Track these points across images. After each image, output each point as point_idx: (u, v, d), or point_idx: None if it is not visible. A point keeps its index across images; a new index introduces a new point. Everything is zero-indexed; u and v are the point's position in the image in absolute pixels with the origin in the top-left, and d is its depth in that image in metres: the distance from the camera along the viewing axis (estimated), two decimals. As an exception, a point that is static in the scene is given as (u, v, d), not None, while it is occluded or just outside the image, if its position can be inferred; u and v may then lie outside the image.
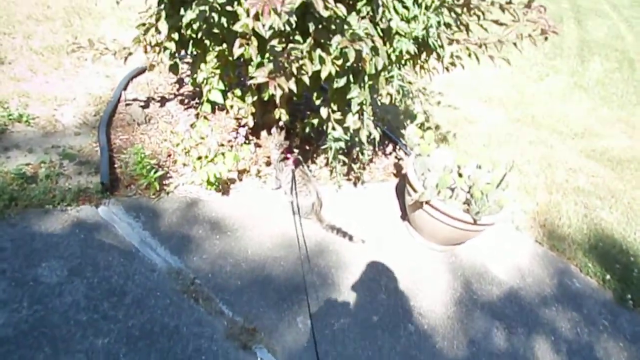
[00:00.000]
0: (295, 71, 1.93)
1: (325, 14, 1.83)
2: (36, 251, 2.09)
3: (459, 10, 2.45)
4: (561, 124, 4.96)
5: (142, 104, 3.25)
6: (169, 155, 2.83)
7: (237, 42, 1.96)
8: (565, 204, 3.62)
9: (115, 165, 2.65)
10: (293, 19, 1.74)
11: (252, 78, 1.85)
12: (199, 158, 2.64)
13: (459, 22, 2.50)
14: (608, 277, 2.95)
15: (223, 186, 2.72)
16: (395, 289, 2.49)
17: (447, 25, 2.41)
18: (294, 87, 1.88)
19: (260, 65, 2.16)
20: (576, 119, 5.20)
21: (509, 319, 2.51)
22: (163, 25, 2.57)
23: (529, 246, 3.07)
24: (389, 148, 3.65)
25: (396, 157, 3.58)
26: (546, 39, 2.24)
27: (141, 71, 3.60)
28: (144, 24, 2.73)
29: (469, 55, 2.47)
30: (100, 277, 2.07)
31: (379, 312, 2.33)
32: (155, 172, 2.49)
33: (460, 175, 2.84)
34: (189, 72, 3.61)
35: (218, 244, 2.41)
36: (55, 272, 2.03)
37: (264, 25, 1.62)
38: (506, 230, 3.13)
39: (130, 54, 2.80)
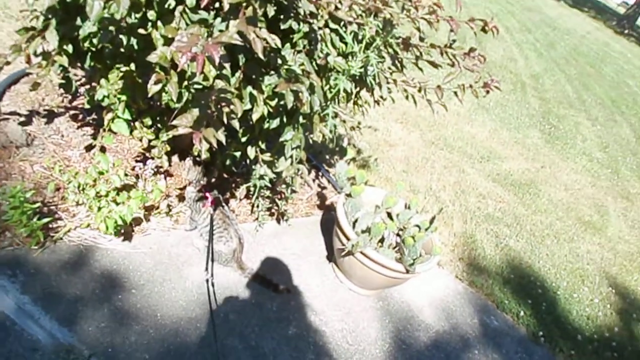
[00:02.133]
0: (225, 117, 1.63)
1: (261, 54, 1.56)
2: None
3: (397, 49, 2.31)
4: (470, 147, 5.15)
5: (23, 119, 2.68)
6: (58, 189, 2.34)
7: (154, 77, 1.61)
8: (478, 233, 3.71)
9: (-16, 207, 2.11)
10: (227, 65, 1.44)
11: (172, 127, 1.51)
12: (97, 196, 2.21)
13: (396, 61, 2.37)
14: (522, 313, 3.05)
15: (126, 229, 2.31)
16: (324, 345, 2.29)
17: (387, 67, 2.26)
18: (222, 138, 1.59)
19: (182, 109, 1.81)
20: (482, 141, 5.45)
21: (436, 369, 2.46)
22: (52, 36, 2.07)
23: (451, 284, 3.07)
24: (312, 174, 3.45)
25: (319, 186, 3.39)
26: (487, 92, 2.18)
27: (23, 75, 2.99)
28: (27, 29, 2.20)
29: (407, 97, 2.35)
30: (-42, 366, 1.61)
31: (308, 375, 2.13)
32: (39, 219, 2.02)
33: (389, 215, 2.74)
34: (84, 81, 3.09)
35: (120, 306, 2.02)
36: None
37: (193, 74, 1.31)
38: (429, 266, 3.10)
39: (7, 63, 2.25)
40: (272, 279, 2.43)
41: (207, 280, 2.18)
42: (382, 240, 2.54)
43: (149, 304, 2.09)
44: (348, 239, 2.39)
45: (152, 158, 2.39)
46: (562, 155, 6.06)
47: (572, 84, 9.57)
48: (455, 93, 2.22)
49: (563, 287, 3.50)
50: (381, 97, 2.63)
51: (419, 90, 2.30)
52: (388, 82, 2.31)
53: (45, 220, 2.06)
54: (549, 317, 3.13)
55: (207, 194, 2.36)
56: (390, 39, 2.20)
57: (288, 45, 2.01)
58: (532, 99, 7.73)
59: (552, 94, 8.40)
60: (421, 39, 2.29)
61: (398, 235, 2.65)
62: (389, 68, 2.36)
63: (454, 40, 2.20)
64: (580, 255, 4.00)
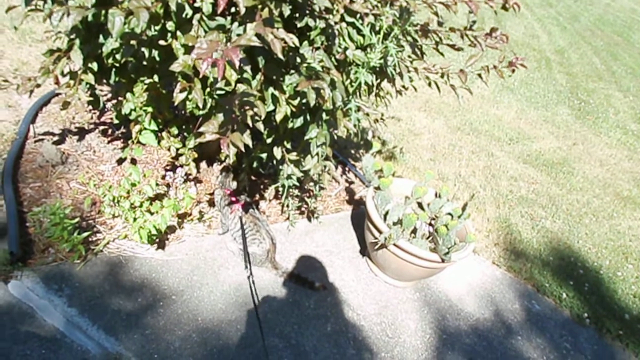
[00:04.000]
0: (249, 120, 1.64)
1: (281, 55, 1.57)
2: None
3: (416, 36, 2.28)
4: (497, 129, 5.04)
5: (56, 138, 2.77)
6: (94, 204, 2.42)
7: (178, 86, 1.64)
8: (513, 217, 3.64)
9: (27, 224, 2.19)
10: (248, 68, 1.45)
11: (198, 134, 1.54)
12: (132, 207, 2.27)
13: (416, 49, 2.33)
14: (564, 295, 2.97)
15: (161, 237, 2.36)
16: (364, 340, 2.29)
17: (407, 56, 2.23)
18: (249, 142, 1.60)
19: (207, 116, 1.84)
20: (509, 123, 5.32)
21: (480, 357, 2.42)
22: (77, 55, 2.14)
23: (488, 270, 3.01)
24: (339, 170, 3.45)
25: (347, 181, 3.39)
26: (513, 71, 2.13)
27: (53, 96, 3.09)
28: (52, 51, 2.27)
29: (429, 84, 2.31)
30: (16, 379, 1.68)
31: (351, 370, 2.13)
32: (79, 233, 2.08)
33: (420, 206, 2.71)
34: (110, 96, 3.17)
35: (162, 312, 2.07)
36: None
37: (215, 79, 1.32)
38: (464, 253, 3.06)
39: (38, 85, 2.33)
40: (307, 276, 2.44)
41: (248, 277, 2.19)
42: (414, 231, 2.52)
43: (189, 309, 2.13)
44: (380, 232, 2.38)
45: (181, 166, 2.44)
46: (594, 130, 5.86)
47: (599, 56, 9.22)
48: (480, 75, 2.17)
49: (605, 266, 3.40)
50: (403, 86, 2.60)
51: (442, 76, 2.26)
52: (409, 71, 2.27)
53: (85, 234, 2.13)
54: (592, 297, 3.04)
55: (235, 198, 2.39)
56: (408, 27, 2.17)
57: (306, 43, 2.01)
58: (558, 75, 7.50)
59: (579, 68, 8.12)
60: (440, 24, 2.25)
61: (430, 224, 2.62)
62: (409, 56, 2.33)
63: (474, 22, 2.15)
64: (621, 232, 3.87)
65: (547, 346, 2.62)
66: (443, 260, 2.32)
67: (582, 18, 12.08)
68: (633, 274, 3.41)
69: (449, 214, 2.55)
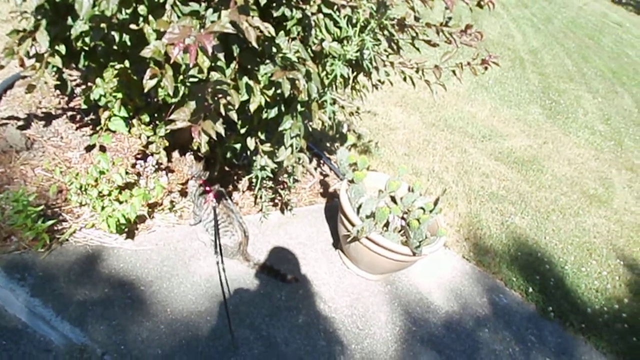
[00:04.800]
0: (222, 109, 1.61)
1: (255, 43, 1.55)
2: None
3: (393, 30, 2.28)
4: (470, 126, 5.12)
5: (21, 123, 2.67)
6: (60, 192, 2.34)
7: (148, 72, 1.59)
8: (483, 212, 3.70)
9: (-12, 212, 2.12)
10: (221, 55, 1.42)
11: (170, 122, 1.50)
12: (100, 196, 2.21)
13: (392, 43, 2.34)
14: (530, 289, 3.05)
15: (130, 227, 2.31)
16: (335, 332, 2.30)
17: (384, 50, 2.23)
18: (221, 130, 1.57)
19: (179, 104, 1.80)
20: (482, 120, 5.41)
21: (448, 349, 2.46)
22: (43, 37, 2.06)
23: (458, 264, 3.07)
24: (313, 162, 3.44)
25: (322, 174, 3.38)
26: (486, 69, 2.16)
27: (17, 79, 2.97)
28: (17, 31, 2.18)
29: (404, 79, 2.32)
30: (-26, 371, 1.62)
31: (320, 362, 2.14)
32: (43, 222, 2.02)
33: (393, 199, 2.73)
34: (80, 81, 3.07)
35: (130, 303, 2.03)
36: None
37: (187, 66, 1.29)
38: (435, 248, 3.10)
39: (1, 67, 2.24)
40: (279, 269, 2.43)
41: (218, 263, 2.15)
42: (387, 225, 2.54)
43: (158, 300, 2.10)
44: (353, 225, 2.39)
45: (152, 154, 2.39)
46: (564, 130, 6.02)
47: (571, 58, 9.46)
48: (454, 72, 2.19)
49: (571, 261, 3.50)
50: (379, 80, 2.61)
51: (417, 71, 2.27)
52: (385, 65, 2.28)
53: (50, 222, 2.06)
54: (557, 292, 3.13)
55: (209, 188, 2.35)
56: (385, 21, 2.18)
57: (282, 33, 1.98)
58: (531, 74, 7.65)
59: (551, 69, 8.31)
60: (416, 19, 2.26)
61: (403, 218, 2.64)
62: (385, 50, 2.33)
63: (450, 18, 2.17)
64: (586, 229, 3.99)
65: (513, 338, 2.68)
66: (414, 254, 2.35)
67: (555, 20, 12.36)
68: (596, 269, 3.52)
69: (421, 208, 2.58)
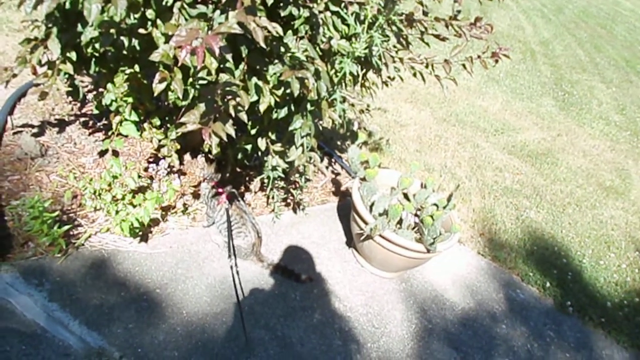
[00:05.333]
0: (232, 110, 1.61)
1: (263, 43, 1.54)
2: None
3: (401, 26, 2.26)
4: (482, 121, 5.06)
5: (35, 130, 2.71)
6: (75, 197, 2.37)
7: (158, 76, 1.60)
8: (497, 207, 3.66)
9: (6, 218, 2.14)
10: (229, 56, 1.42)
11: (181, 125, 1.51)
12: (114, 200, 2.23)
13: (401, 38, 2.32)
14: (547, 284, 3.00)
15: (145, 230, 2.33)
16: (350, 331, 2.29)
17: (393, 46, 2.21)
18: (232, 132, 1.57)
19: (189, 106, 1.81)
20: (494, 114, 5.35)
21: (465, 345, 2.44)
22: (54, 44, 2.08)
23: (473, 260, 3.03)
24: (325, 161, 3.43)
25: (333, 172, 3.37)
26: (496, 61, 2.13)
27: (30, 87, 3.01)
28: (29, 40, 2.21)
29: (414, 74, 2.30)
30: (-5, 376, 1.64)
31: (337, 361, 2.13)
32: (59, 227, 2.04)
33: (406, 196, 2.71)
34: (91, 87, 3.10)
35: (146, 306, 2.05)
36: None
37: (196, 68, 1.29)
38: (449, 244, 3.07)
39: (14, 75, 2.27)
40: (293, 268, 2.43)
41: (232, 267, 2.16)
42: (400, 222, 2.52)
43: (174, 302, 2.11)
44: (366, 223, 2.38)
45: (164, 158, 2.40)
46: (578, 121, 5.93)
47: (583, 48, 9.32)
48: (464, 66, 2.17)
49: (588, 255, 3.44)
50: (389, 77, 2.58)
51: (427, 67, 2.25)
52: (394, 61, 2.26)
53: (66, 227, 2.08)
54: (575, 286, 3.08)
55: (221, 190, 2.36)
56: (393, 17, 2.16)
57: (290, 32, 1.98)
58: (543, 66, 7.56)
59: (563, 60, 8.20)
60: (425, 13, 2.23)
61: (416, 215, 2.62)
62: (394, 46, 2.31)
63: (459, 12, 2.14)
64: (604, 222, 3.93)
65: (531, 334, 2.65)
66: (428, 251, 2.33)
67: (566, 10, 12.18)
68: (615, 262, 3.46)
69: (435, 204, 2.55)
